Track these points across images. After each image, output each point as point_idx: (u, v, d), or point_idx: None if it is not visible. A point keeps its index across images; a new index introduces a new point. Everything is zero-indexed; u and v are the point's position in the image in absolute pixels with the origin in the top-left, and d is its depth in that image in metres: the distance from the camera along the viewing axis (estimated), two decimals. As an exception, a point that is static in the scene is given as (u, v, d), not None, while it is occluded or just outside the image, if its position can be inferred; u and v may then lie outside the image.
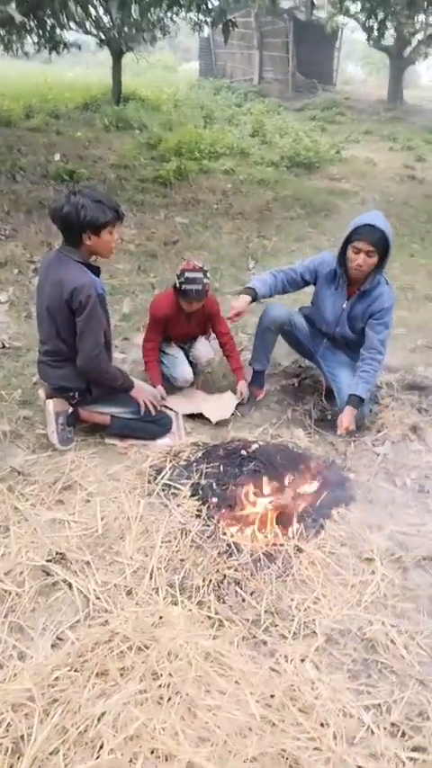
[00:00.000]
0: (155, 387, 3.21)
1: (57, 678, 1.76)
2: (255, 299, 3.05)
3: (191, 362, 3.41)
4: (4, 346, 3.70)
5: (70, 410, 2.86)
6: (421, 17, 14.32)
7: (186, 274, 3.07)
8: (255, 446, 2.93)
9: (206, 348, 3.42)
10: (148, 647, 1.88)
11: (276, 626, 2.07)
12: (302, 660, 1.95)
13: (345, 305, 3.09)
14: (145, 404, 2.93)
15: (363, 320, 3.09)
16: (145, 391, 2.99)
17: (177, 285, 3.11)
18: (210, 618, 2.07)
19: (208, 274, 3.13)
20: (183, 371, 3.31)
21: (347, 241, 2.94)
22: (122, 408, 2.95)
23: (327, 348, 3.29)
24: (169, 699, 1.73)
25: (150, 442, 2.97)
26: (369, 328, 3.07)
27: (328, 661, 1.98)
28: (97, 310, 2.66)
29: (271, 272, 3.17)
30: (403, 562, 2.37)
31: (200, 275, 3.08)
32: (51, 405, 2.81)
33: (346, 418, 2.94)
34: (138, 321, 4.22)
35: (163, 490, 2.64)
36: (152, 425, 2.98)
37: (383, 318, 3.04)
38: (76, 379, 2.82)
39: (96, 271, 2.76)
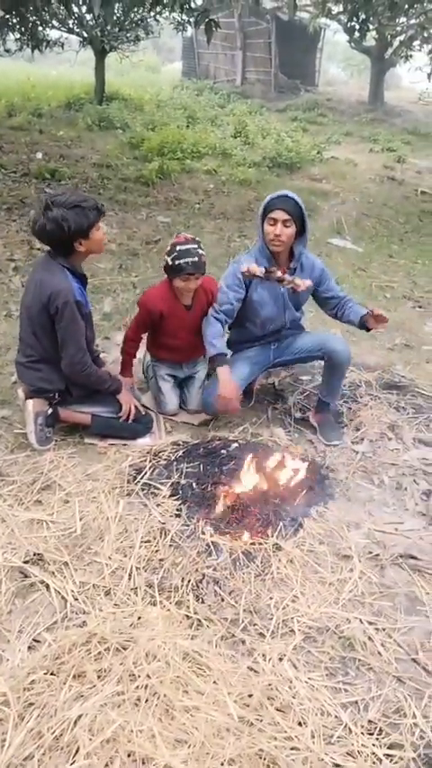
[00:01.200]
0: (125, 377, 3.15)
1: (33, 681, 1.74)
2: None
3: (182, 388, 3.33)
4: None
5: (50, 411, 2.83)
6: (402, 19, 14.44)
7: (178, 247, 2.87)
8: (234, 445, 2.94)
9: (197, 401, 3.24)
10: (125, 649, 1.87)
11: (255, 625, 2.07)
12: (280, 659, 1.96)
13: (282, 289, 3.01)
14: (129, 408, 2.93)
15: (306, 294, 3.07)
16: (130, 395, 3.00)
17: (169, 263, 2.91)
18: (188, 618, 2.06)
19: (202, 246, 2.96)
20: (172, 406, 3.21)
21: (263, 219, 2.89)
22: (104, 407, 2.94)
23: (275, 350, 3.21)
24: (147, 700, 1.72)
25: (131, 442, 2.95)
26: (324, 293, 3.08)
27: (306, 659, 1.98)
28: (75, 316, 2.63)
29: (213, 319, 2.99)
30: (381, 560, 2.38)
31: (193, 246, 2.89)
32: (31, 405, 2.79)
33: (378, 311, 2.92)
34: (119, 320, 4.20)
35: (143, 490, 2.63)
36: (134, 424, 2.97)
37: (329, 281, 3.08)
38: (55, 381, 2.80)
39: (81, 278, 2.75)
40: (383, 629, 2.10)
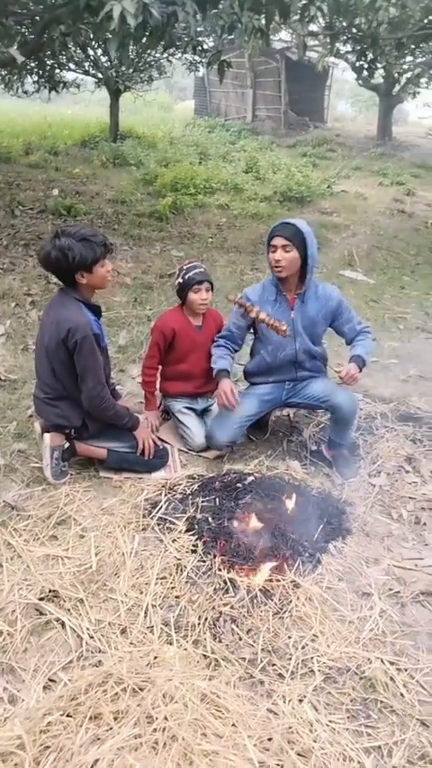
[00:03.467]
0: (149, 410, 3.28)
1: (49, 723, 1.70)
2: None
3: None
4: (0, 379, 3.70)
5: (66, 445, 2.84)
6: (409, 58, 14.78)
7: (185, 267, 3.20)
8: (250, 478, 2.92)
9: None
10: (142, 689, 1.83)
11: (274, 665, 2.03)
12: (300, 700, 1.91)
13: (292, 314, 3.02)
14: (144, 443, 2.93)
15: (322, 325, 3.07)
16: (147, 431, 3.01)
17: (180, 280, 3.18)
18: (206, 657, 2.03)
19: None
20: (199, 439, 3.20)
21: (268, 249, 2.96)
22: (119, 442, 2.93)
23: (288, 390, 3.17)
24: (165, 744, 1.68)
25: (146, 476, 2.95)
26: (342, 326, 3.09)
27: (327, 701, 1.93)
28: (94, 350, 2.66)
29: (219, 345, 3.17)
30: (401, 597, 2.34)
31: (198, 263, 3.23)
32: (48, 438, 2.80)
33: (352, 366, 2.93)
34: (134, 353, 4.23)
35: (158, 524, 2.61)
36: (149, 459, 2.96)
37: (347, 313, 3.08)
38: (72, 418, 2.80)
39: (96, 310, 2.78)
40: (405, 670, 2.05)
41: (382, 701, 1.94)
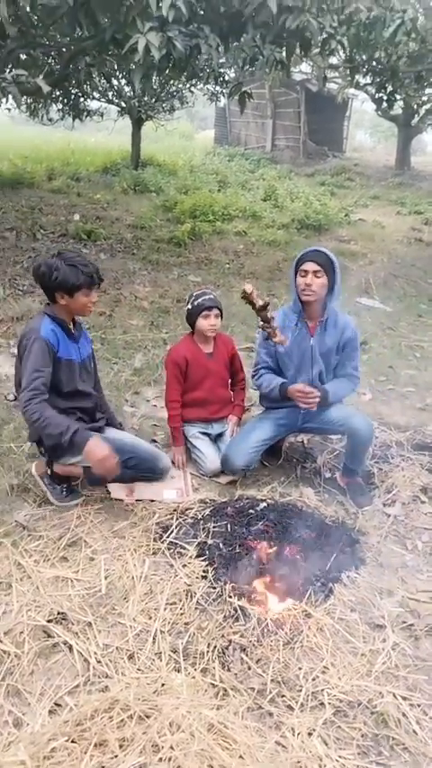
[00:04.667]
0: (177, 446, 3.27)
1: (53, 749, 1.68)
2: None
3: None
4: (16, 399, 3.72)
5: (49, 470, 2.85)
6: (428, 90, 14.97)
7: (194, 294, 3.29)
8: (263, 504, 2.90)
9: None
10: (149, 717, 1.80)
11: (283, 696, 1.99)
12: (310, 734, 1.86)
13: (311, 341, 3.03)
14: (100, 465, 2.59)
15: (337, 353, 3.08)
16: (98, 452, 2.56)
17: (190, 307, 3.25)
18: (214, 686, 1.99)
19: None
20: (212, 464, 3.18)
21: (295, 273, 2.98)
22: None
23: (304, 415, 3.12)
24: (170, 774, 1.65)
25: (157, 497, 2.94)
26: (344, 357, 3.09)
27: (337, 735, 1.89)
28: (33, 350, 2.59)
29: (263, 374, 3.14)
30: (415, 630, 2.29)
31: (208, 290, 3.33)
32: (33, 468, 2.90)
33: (316, 390, 2.93)
34: (149, 375, 4.25)
35: (169, 549, 2.59)
36: (126, 470, 2.84)
37: (351, 352, 3.08)
38: (32, 432, 2.80)
39: (63, 326, 2.74)
40: (419, 705, 2.00)
41: (394, 738, 1.89)
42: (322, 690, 2.01)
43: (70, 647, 2.09)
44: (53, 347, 2.67)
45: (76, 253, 2.77)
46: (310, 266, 2.90)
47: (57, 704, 1.90)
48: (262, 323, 2.89)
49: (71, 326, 2.81)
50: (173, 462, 3.19)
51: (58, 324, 2.73)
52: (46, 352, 2.62)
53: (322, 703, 1.97)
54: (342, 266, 3.04)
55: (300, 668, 2.08)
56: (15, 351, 2.88)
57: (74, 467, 2.84)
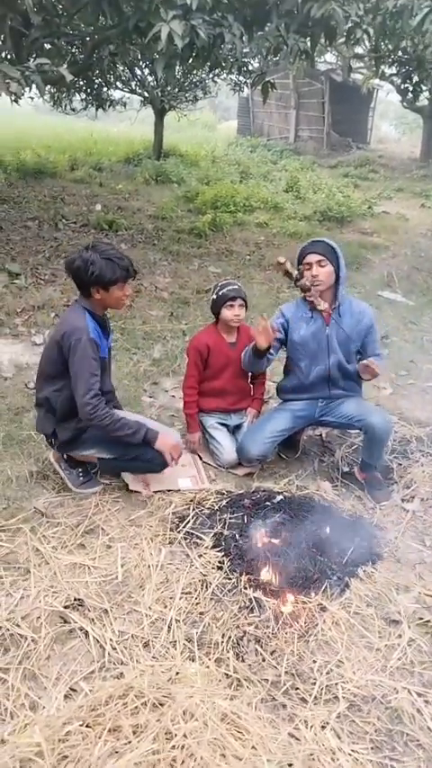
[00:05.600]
0: (192, 432, 3.28)
1: (68, 733, 1.70)
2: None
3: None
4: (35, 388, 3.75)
5: (64, 455, 2.87)
6: (455, 81, 14.73)
7: (220, 284, 3.27)
8: (280, 497, 2.89)
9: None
10: (163, 705, 1.81)
11: (297, 689, 1.99)
12: (323, 727, 1.86)
13: (327, 330, 3.01)
14: (171, 456, 2.76)
15: (356, 341, 3.04)
16: (169, 441, 2.75)
17: (214, 297, 3.23)
18: (228, 676, 2.00)
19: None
20: (229, 456, 3.18)
21: (299, 266, 2.95)
22: (102, 451, 2.83)
23: (321, 407, 3.12)
24: (183, 762, 1.65)
25: (173, 486, 2.94)
26: (366, 346, 3.06)
27: (351, 729, 1.88)
28: (87, 354, 2.58)
29: None
30: (431, 627, 2.27)
31: (233, 280, 3.31)
32: (51, 456, 2.92)
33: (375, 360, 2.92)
34: (168, 366, 4.26)
35: (185, 539, 2.60)
36: (139, 463, 2.84)
37: (371, 335, 3.06)
38: (44, 424, 2.79)
39: (102, 325, 2.75)
40: (433, 703, 1.98)
41: (408, 734, 1.88)
42: (336, 684, 2.01)
43: (86, 634, 2.11)
44: (98, 346, 2.67)
45: (110, 245, 2.70)
46: (312, 258, 2.90)
47: (72, 689, 1.92)
48: (303, 293, 2.95)
49: (105, 321, 2.81)
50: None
51: (96, 320, 2.72)
52: (97, 353, 2.64)
53: (336, 697, 1.97)
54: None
55: (314, 661, 2.08)
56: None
57: (91, 457, 2.87)
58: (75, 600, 2.23)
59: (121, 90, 12.26)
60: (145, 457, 2.78)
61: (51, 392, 2.71)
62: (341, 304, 3.00)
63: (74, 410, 2.66)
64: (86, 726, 1.74)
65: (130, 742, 1.70)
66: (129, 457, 2.79)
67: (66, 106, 11.70)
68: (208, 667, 2.01)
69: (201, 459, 3.24)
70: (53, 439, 2.83)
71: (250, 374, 3.39)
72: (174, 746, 1.69)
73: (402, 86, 15.70)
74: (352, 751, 1.80)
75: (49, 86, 8.54)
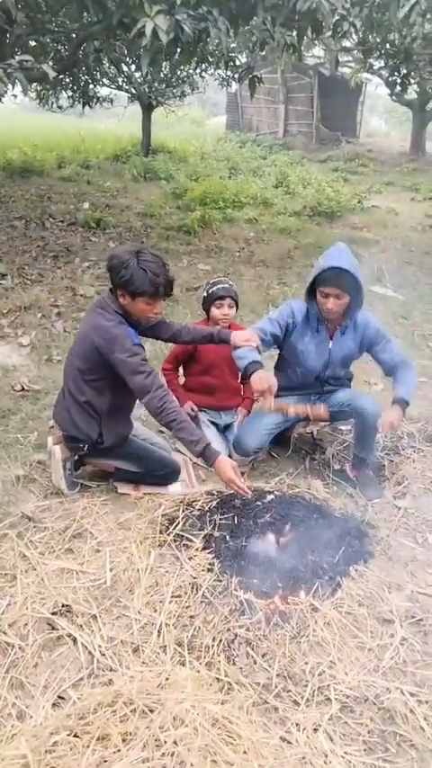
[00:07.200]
0: (183, 404, 3.27)
1: (55, 743, 1.67)
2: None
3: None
4: (23, 389, 3.72)
5: (76, 457, 2.83)
6: (444, 73, 14.70)
7: (211, 281, 3.28)
8: (270, 497, 2.87)
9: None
10: (152, 711, 1.78)
11: (289, 691, 1.97)
12: (315, 729, 1.84)
13: (330, 345, 3.01)
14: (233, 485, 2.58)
15: (357, 355, 3.06)
16: (228, 472, 2.55)
17: (205, 294, 3.25)
18: (219, 680, 1.97)
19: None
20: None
21: (314, 283, 2.89)
22: (127, 464, 2.87)
23: (315, 402, 3.11)
24: (172, 769, 1.63)
25: (163, 490, 2.91)
26: (378, 354, 3.04)
27: (343, 731, 1.86)
28: (136, 353, 2.59)
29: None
30: (424, 625, 2.25)
31: (224, 278, 3.31)
32: (58, 451, 2.80)
33: (393, 414, 2.86)
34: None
35: (175, 541, 2.57)
36: (157, 478, 2.92)
37: (383, 342, 3.03)
38: (84, 428, 2.74)
39: (134, 323, 2.71)
40: (426, 702, 1.97)
41: (401, 734, 1.86)
42: (328, 685, 1.99)
43: (74, 640, 2.08)
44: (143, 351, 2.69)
45: (157, 257, 2.61)
46: (332, 291, 2.81)
47: (60, 697, 1.89)
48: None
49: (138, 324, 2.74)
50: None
51: (130, 323, 2.66)
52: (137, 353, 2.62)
53: (328, 698, 1.95)
54: (354, 254, 2.97)
55: (306, 663, 2.06)
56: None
57: (107, 463, 2.88)
58: (62, 606, 2.20)
59: (108, 86, 12.16)
60: (160, 473, 2.88)
61: (95, 395, 2.69)
62: (348, 325, 3.00)
63: (119, 412, 2.77)
64: (74, 735, 1.71)
65: (119, 750, 1.68)
66: (145, 470, 2.86)
67: (52, 104, 11.60)
68: (198, 672, 1.98)
69: (191, 460, 3.21)
70: (91, 446, 2.76)
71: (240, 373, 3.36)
72: (164, 754, 1.66)
73: (390, 79, 15.65)
74: (345, 753, 1.78)
75: (34, 84, 8.47)
